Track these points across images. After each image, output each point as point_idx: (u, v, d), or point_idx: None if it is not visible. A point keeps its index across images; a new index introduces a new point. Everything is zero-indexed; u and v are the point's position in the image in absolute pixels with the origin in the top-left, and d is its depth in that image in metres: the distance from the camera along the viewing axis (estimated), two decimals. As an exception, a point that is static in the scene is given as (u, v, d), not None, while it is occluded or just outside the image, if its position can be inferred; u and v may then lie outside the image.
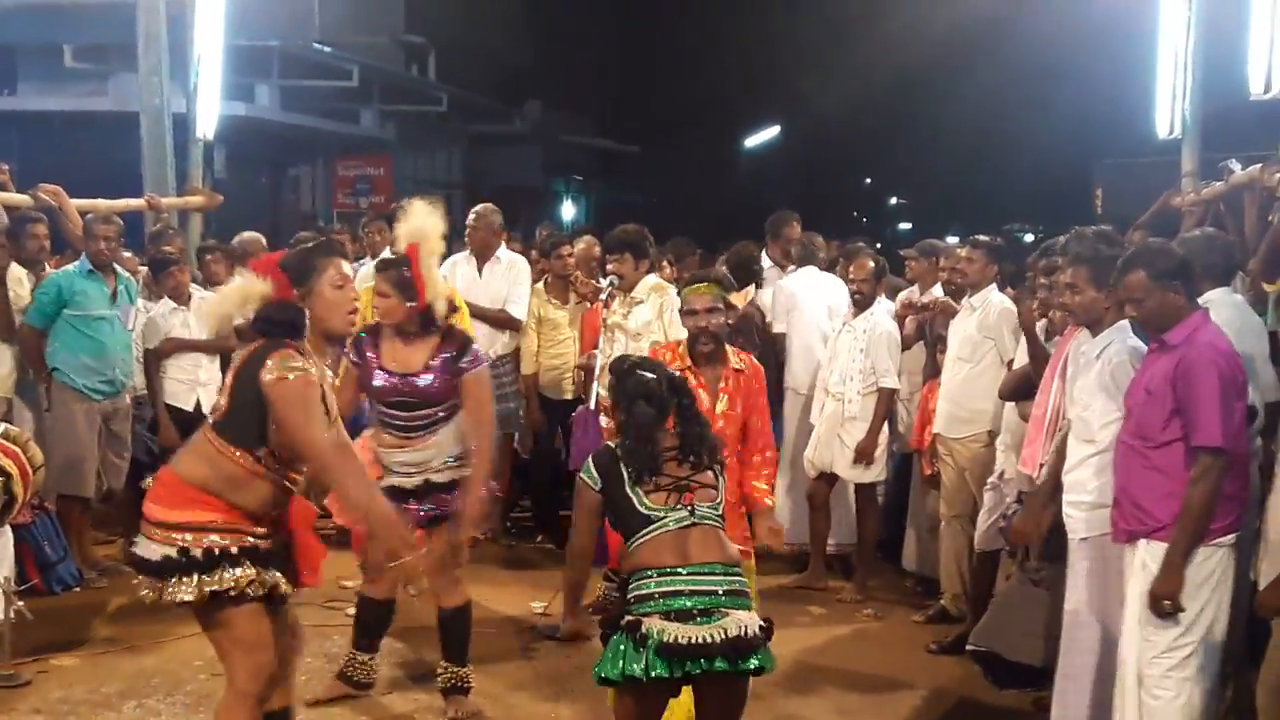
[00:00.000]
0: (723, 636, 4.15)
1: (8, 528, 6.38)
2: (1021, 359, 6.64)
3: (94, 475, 7.69)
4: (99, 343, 7.66)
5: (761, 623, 4.28)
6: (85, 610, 7.27)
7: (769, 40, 33.88)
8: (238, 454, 4.35)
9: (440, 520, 5.74)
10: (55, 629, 6.83)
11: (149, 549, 4.34)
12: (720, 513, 4.45)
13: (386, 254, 7.24)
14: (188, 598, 4.28)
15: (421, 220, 5.64)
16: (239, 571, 4.31)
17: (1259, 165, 6.37)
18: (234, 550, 4.32)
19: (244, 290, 4.49)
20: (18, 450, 6.17)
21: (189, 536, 4.28)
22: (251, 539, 4.38)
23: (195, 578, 4.26)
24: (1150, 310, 4.77)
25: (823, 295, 8.77)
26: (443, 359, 5.66)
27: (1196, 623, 4.66)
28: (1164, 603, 4.63)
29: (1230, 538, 4.69)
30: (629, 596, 4.35)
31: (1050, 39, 25.69)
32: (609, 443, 4.65)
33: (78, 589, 7.63)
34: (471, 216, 8.94)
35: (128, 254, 8.24)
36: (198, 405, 8.03)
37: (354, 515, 4.91)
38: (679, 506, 4.38)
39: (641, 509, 4.40)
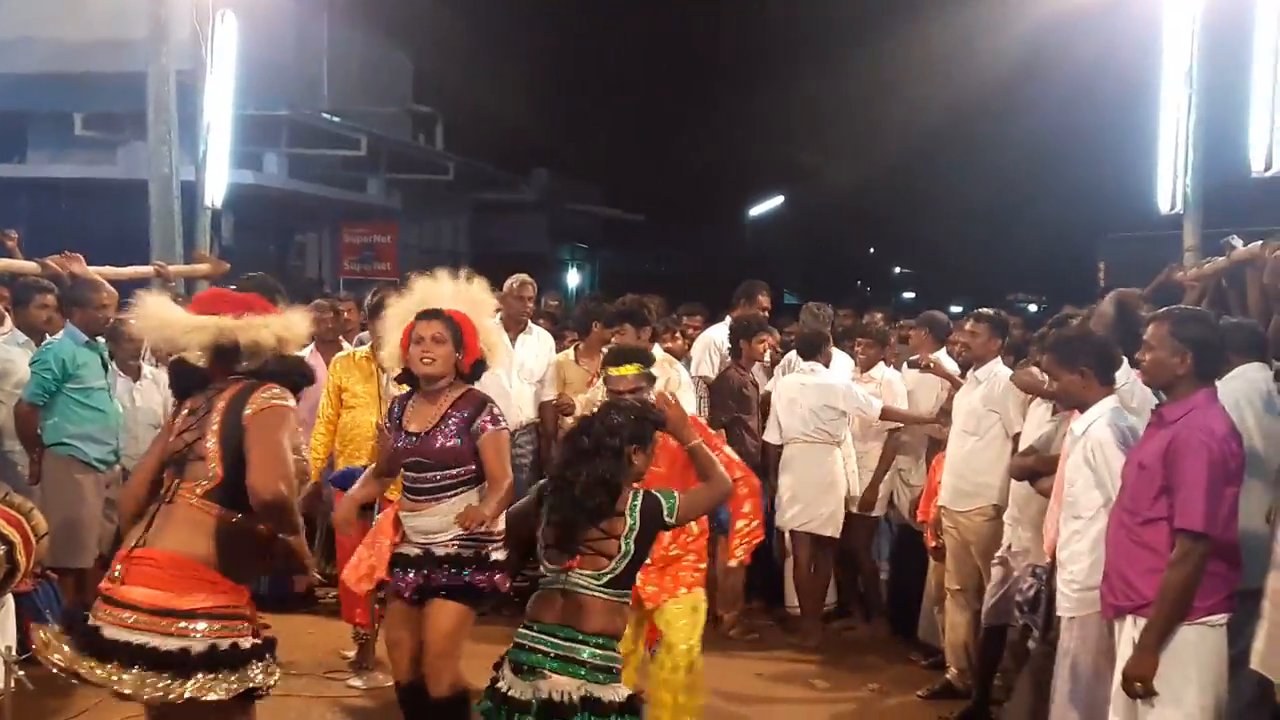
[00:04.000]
0: (534, 697, 4.32)
1: (9, 596, 6.35)
2: (1029, 433, 6.62)
3: (95, 546, 7.60)
4: (101, 413, 7.50)
5: (593, 694, 4.32)
6: (86, 679, 7.21)
7: (773, 111, 34.16)
8: (245, 519, 4.14)
9: (431, 595, 5.44)
10: (57, 698, 6.78)
11: (154, 639, 4.00)
12: (604, 582, 4.42)
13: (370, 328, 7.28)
14: (219, 696, 4.01)
15: (454, 284, 5.72)
16: (266, 667, 4.12)
17: (1260, 242, 6.40)
18: (259, 643, 4.14)
19: (296, 325, 4.41)
20: (21, 518, 6.13)
21: (214, 627, 4.03)
22: (253, 624, 4.18)
23: (223, 674, 4.01)
24: (1153, 361, 4.79)
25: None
26: (457, 419, 5.43)
27: (1193, 704, 4.56)
28: (1135, 684, 4.56)
29: (1220, 617, 4.60)
30: None
31: (1053, 115, 25.97)
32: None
33: (78, 657, 7.55)
34: (516, 285, 8.92)
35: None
36: None
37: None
38: (559, 570, 4.47)
39: (540, 556, 4.58)
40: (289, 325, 4.35)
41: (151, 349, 8.01)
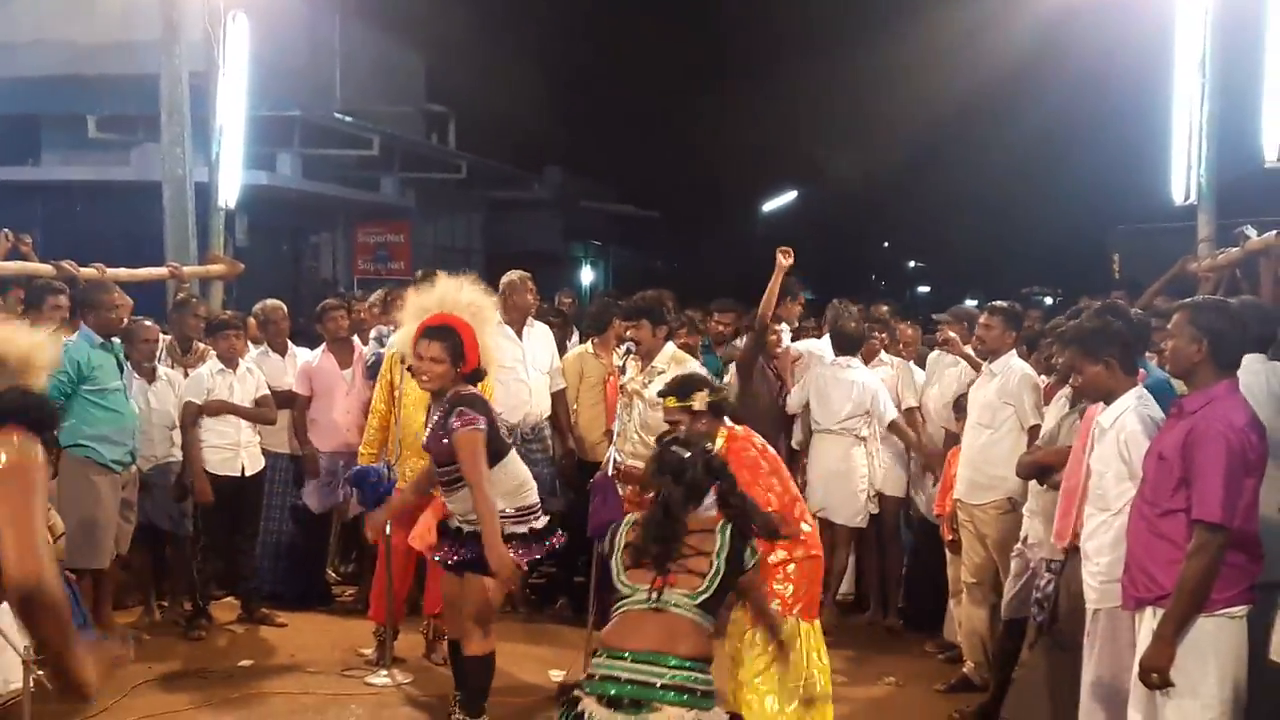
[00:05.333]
0: None
1: (28, 597, 6.35)
2: (1046, 426, 6.60)
3: (112, 546, 7.61)
4: (117, 414, 7.51)
5: None
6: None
7: (786, 106, 34.13)
8: None
9: (466, 566, 6.00)
10: (74, 698, 6.79)
11: None
12: (699, 603, 4.24)
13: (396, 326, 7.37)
14: None
15: (472, 294, 6.16)
16: None
17: (1274, 232, 6.39)
18: None
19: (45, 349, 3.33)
20: (39, 519, 6.15)
21: None
22: None
23: None
24: (1172, 349, 4.80)
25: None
26: (437, 420, 5.91)
27: (1211, 696, 4.55)
28: (1152, 675, 4.55)
29: (1240, 609, 4.58)
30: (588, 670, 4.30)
31: (1067, 107, 25.89)
32: (631, 515, 4.59)
33: (96, 657, 7.56)
34: (517, 279, 8.86)
35: (150, 322, 8.23)
36: (243, 470, 8.19)
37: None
38: (648, 588, 4.26)
39: (615, 580, 4.36)
40: (36, 348, 3.26)
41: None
